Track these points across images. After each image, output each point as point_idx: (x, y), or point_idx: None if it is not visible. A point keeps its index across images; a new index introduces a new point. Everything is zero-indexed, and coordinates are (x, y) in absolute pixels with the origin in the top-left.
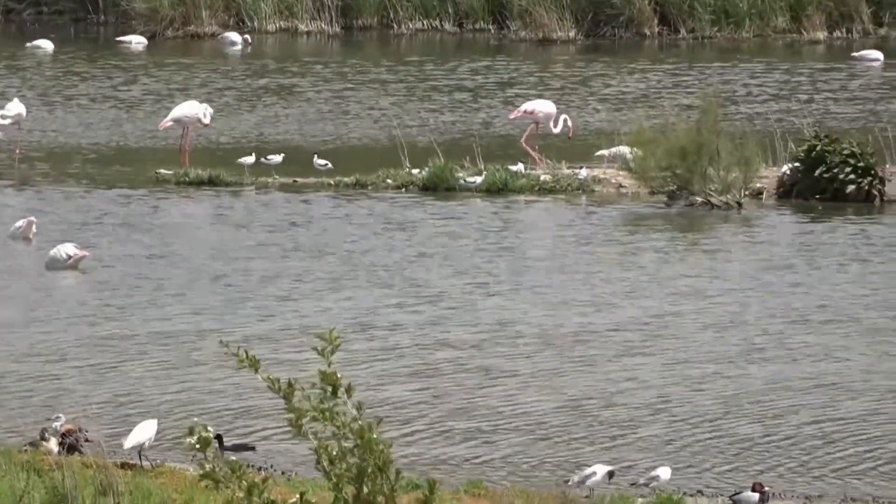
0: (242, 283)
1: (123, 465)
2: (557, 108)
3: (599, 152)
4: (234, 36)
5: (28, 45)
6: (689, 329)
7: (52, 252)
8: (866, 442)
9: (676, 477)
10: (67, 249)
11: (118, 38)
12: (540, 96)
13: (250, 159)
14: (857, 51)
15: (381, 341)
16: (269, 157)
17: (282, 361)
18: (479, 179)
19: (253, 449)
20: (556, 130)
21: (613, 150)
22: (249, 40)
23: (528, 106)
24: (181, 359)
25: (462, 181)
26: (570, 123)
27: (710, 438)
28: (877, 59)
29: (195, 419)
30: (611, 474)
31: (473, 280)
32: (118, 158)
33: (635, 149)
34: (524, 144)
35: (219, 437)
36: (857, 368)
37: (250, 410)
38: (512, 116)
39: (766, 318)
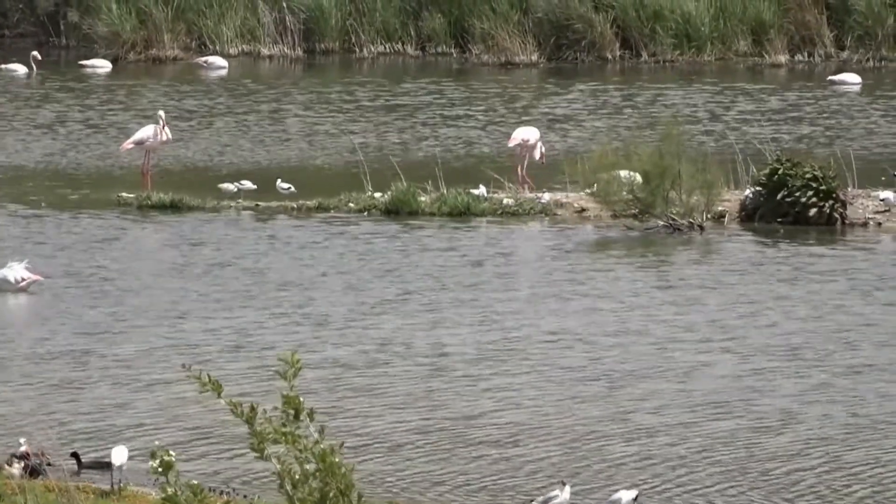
0: (145, 303)
1: (86, 489)
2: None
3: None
4: (219, 60)
5: (3, 67)
6: (580, 348)
7: (3, 272)
8: (734, 461)
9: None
10: (20, 272)
11: (81, 63)
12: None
13: (230, 186)
14: (833, 74)
15: (255, 360)
16: (242, 182)
17: (151, 383)
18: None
19: (109, 465)
20: (537, 157)
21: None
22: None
23: (524, 135)
24: (50, 379)
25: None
26: (543, 150)
27: (576, 457)
28: (855, 83)
29: (156, 443)
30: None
31: (373, 300)
32: (82, 182)
33: (632, 173)
34: (524, 174)
35: (76, 455)
36: (735, 387)
37: (107, 430)
38: (511, 145)
39: (664, 336)
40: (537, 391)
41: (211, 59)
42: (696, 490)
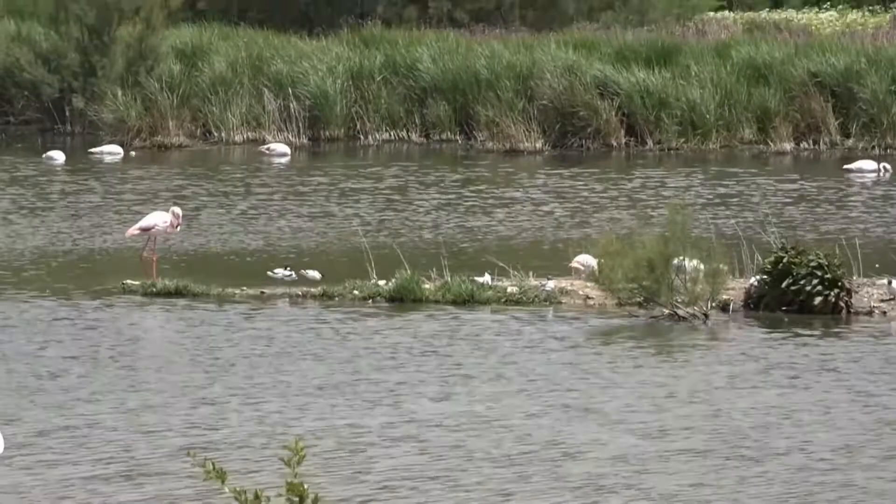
0: (50, 386)
1: None
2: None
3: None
4: (281, 147)
5: (43, 156)
6: (483, 430)
7: None
8: None
9: None
10: None
11: (90, 150)
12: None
13: (285, 272)
14: (849, 163)
15: (118, 444)
16: (276, 270)
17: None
18: None
19: None
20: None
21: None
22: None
23: (584, 261)
24: None
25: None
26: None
27: None
28: (873, 171)
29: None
30: None
31: (278, 385)
32: (89, 268)
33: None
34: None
35: None
36: (625, 469)
37: None
38: (573, 265)
39: (579, 418)
40: (419, 475)
41: (273, 146)
42: None
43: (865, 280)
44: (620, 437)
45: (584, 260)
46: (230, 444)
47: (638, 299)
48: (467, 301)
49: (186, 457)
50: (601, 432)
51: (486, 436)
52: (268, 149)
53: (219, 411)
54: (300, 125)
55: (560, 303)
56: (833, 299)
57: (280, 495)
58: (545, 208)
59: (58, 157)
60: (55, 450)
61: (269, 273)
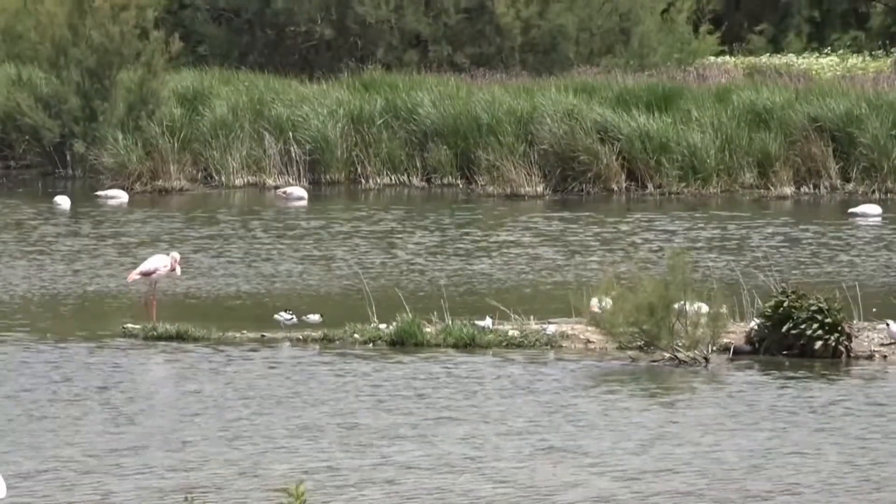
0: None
1: None
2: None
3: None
4: (298, 191)
5: (53, 201)
6: (457, 472)
7: None
8: None
9: None
10: None
11: (96, 193)
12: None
13: (287, 315)
14: (854, 206)
15: (99, 487)
16: (281, 313)
17: None
18: None
19: None
20: None
21: None
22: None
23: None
24: None
25: None
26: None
27: None
28: (875, 215)
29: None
30: None
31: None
32: (91, 312)
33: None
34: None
35: None
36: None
37: None
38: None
39: (552, 459)
40: None
41: (290, 189)
42: None
43: (866, 324)
44: (601, 480)
45: (595, 303)
46: (211, 485)
47: (639, 343)
48: (468, 345)
49: (183, 501)
50: (583, 474)
51: (466, 478)
52: (285, 192)
53: (202, 453)
54: (301, 169)
55: (561, 346)
56: (833, 343)
57: None
58: (545, 252)
59: (63, 202)
60: (36, 493)
61: (276, 316)
